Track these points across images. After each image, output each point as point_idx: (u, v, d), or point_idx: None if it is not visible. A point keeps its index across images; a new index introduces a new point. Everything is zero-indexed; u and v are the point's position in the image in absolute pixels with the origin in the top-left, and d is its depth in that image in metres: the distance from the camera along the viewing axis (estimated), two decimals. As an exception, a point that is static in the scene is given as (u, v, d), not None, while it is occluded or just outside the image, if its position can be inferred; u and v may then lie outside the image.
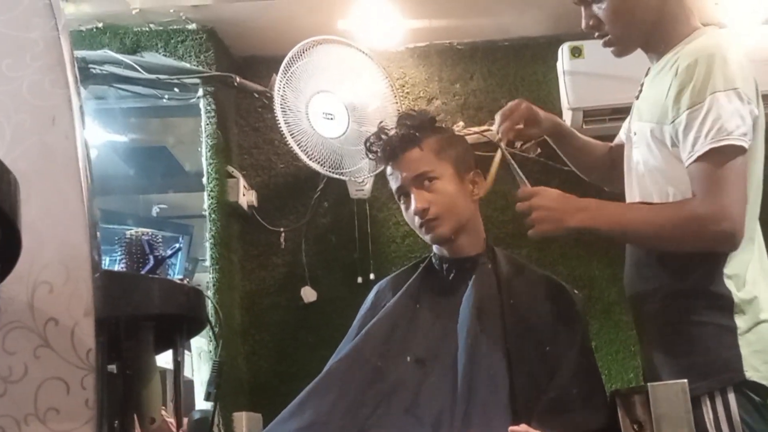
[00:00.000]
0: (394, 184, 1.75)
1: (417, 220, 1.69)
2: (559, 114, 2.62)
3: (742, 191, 1.40)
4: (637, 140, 1.57)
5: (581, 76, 2.48)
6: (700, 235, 1.40)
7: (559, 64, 2.55)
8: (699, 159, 1.39)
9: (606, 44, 1.59)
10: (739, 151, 1.38)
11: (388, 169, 1.76)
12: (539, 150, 2.62)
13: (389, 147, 1.73)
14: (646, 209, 1.50)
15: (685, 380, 1.35)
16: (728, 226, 1.37)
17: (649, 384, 1.38)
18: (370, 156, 1.83)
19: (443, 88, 2.75)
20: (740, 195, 1.39)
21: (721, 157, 1.37)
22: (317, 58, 2.40)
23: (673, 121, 1.43)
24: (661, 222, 1.45)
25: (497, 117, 1.77)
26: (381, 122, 1.89)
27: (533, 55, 2.73)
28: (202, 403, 1.84)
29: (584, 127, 2.50)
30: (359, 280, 2.57)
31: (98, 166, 1.10)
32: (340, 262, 2.63)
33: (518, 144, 2.61)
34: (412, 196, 1.69)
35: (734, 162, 1.38)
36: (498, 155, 1.72)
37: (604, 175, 1.86)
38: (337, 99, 2.44)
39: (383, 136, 1.76)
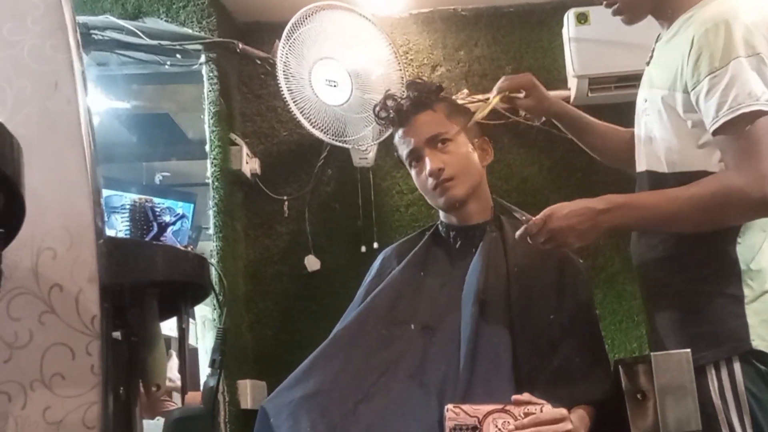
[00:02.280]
0: (405, 149, 1.73)
1: (431, 182, 1.67)
2: (564, 82, 2.60)
3: None
4: (648, 108, 1.54)
5: (587, 43, 2.45)
6: (743, 207, 1.36)
7: (564, 31, 2.52)
8: (726, 126, 1.35)
9: (615, 12, 1.57)
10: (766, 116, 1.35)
11: (398, 134, 1.75)
12: (544, 119, 2.60)
13: (401, 110, 1.72)
14: (676, 191, 1.44)
15: (689, 350, 1.35)
16: (761, 192, 1.33)
17: (652, 354, 1.38)
18: (380, 122, 1.82)
19: (447, 55, 2.72)
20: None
21: (748, 123, 1.34)
22: (320, 25, 2.37)
23: (693, 88, 1.39)
24: (698, 200, 1.39)
25: (502, 78, 1.76)
26: (388, 90, 1.88)
27: (538, 21, 2.69)
28: (207, 371, 1.84)
29: (590, 95, 2.48)
30: (363, 249, 2.56)
31: (101, 133, 1.09)
32: (344, 231, 2.62)
33: (523, 113, 2.60)
34: (426, 159, 1.67)
35: (764, 127, 1.34)
36: (491, 104, 1.73)
37: (625, 161, 1.74)
38: (341, 66, 2.42)
39: (390, 102, 1.75)
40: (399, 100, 1.74)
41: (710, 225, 1.41)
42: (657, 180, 1.52)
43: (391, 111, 1.74)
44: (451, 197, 1.68)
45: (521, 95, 1.77)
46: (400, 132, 1.74)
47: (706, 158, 1.43)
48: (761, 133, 1.34)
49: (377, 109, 1.79)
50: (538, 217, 1.48)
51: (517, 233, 1.52)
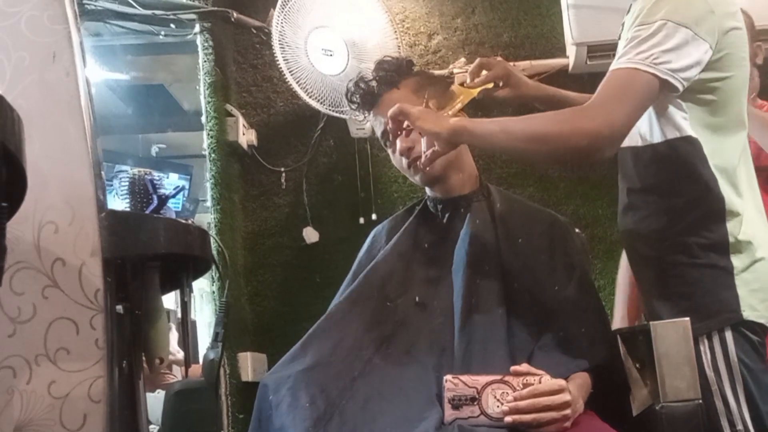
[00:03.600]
0: (378, 130, 1.73)
1: (404, 161, 1.67)
2: (563, 49, 2.58)
3: (635, 114, 1.34)
4: None
5: (586, 10, 2.42)
6: (567, 131, 1.32)
7: (563, -3, 2.50)
8: (617, 69, 1.34)
9: None
10: (661, 84, 1.33)
11: (371, 117, 1.74)
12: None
13: (368, 93, 1.71)
14: (522, 117, 1.43)
15: (687, 318, 1.35)
16: (597, 128, 1.30)
17: (651, 323, 1.38)
18: (352, 107, 1.80)
19: (444, 23, 2.70)
20: (630, 115, 1.33)
21: (638, 78, 1.32)
22: (316, -8, 2.35)
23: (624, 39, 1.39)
24: (538, 120, 1.38)
25: (476, 61, 1.73)
26: (360, 73, 1.86)
27: (537, -12, 2.67)
28: (206, 343, 1.85)
29: (588, 62, 2.46)
30: (361, 220, 2.56)
31: (95, 104, 1.07)
32: (342, 203, 2.62)
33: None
34: (396, 139, 1.67)
35: (646, 87, 1.32)
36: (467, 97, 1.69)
37: None
38: (337, 35, 2.39)
39: (362, 84, 1.73)
40: (367, 82, 1.73)
41: (544, 148, 1.37)
42: (635, 155, 1.51)
43: (358, 96, 1.73)
44: (426, 174, 1.67)
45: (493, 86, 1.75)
46: (371, 115, 1.73)
47: (666, 128, 1.42)
48: (633, 90, 1.32)
49: (348, 94, 1.77)
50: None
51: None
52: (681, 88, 1.35)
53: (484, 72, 1.69)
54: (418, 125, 1.48)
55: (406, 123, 1.63)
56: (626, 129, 1.35)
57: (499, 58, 1.76)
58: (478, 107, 1.81)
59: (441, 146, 1.47)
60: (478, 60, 1.71)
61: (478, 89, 1.69)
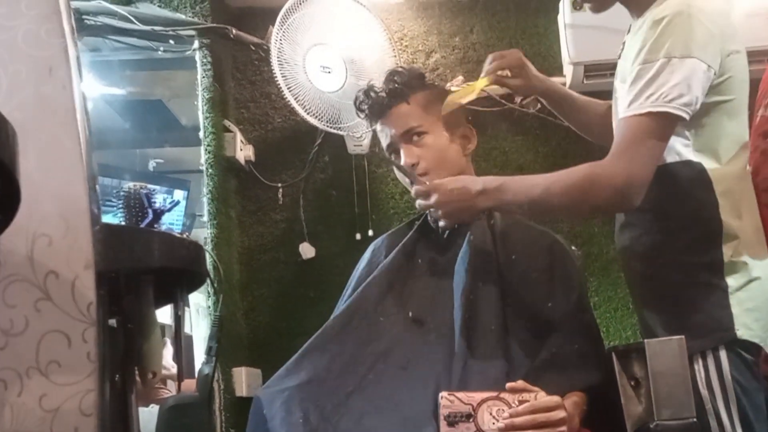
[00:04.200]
0: (384, 142, 1.74)
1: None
2: (560, 68, 2.59)
3: (655, 159, 1.38)
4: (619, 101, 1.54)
5: (583, 30, 2.44)
6: (593, 192, 1.39)
7: (560, 17, 2.51)
8: (629, 117, 1.37)
9: (584, 0, 1.58)
10: (675, 119, 1.36)
11: (378, 127, 1.75)
12: (539, 105, 2.59)
13: (377, 104, 1.72)
14: (550, 176, 1.48)
15: (682, 336, 1.35)
16: (621, 183, 1.36)
17: (645, 340, 1.38)
18: (360, 115, 1.81)
19: (442, 42, 2.71)
20: (650, 162, 1.38)
21: (652, 121, 1.35)
22: (314, 10, 2.36)
23: (630, 75, 1.41)
24: (564, 186, 1.43)
25: (489, 57, 1.75)
26: (370, 80, 1.87)
27: (535, 7, 2.69)
28: (202, 359, 1.84)
29: (585, 82, 2.47)
30: (358, 236, 2.56)
31: (93, 119, 1.08)
32: (339, 218, 2.62)
33: (518, 99, 2.59)
34: (402, 152, 1.68)
35: (662, 127, 1.36)
36: (476, 89, 1.71)
37: (606, 134, 1.76)
38: (335, 52, 2.41)
39: (372, 94, 1.74)
40: (377, 92, 1.73)
41: (575, 211, 1.44)
42: None
43: (367, 105, 1.74)
44: None
45: (508, 74, 1.76)
46: (378, 125, 1.74)
47: (667, 154, 1.43)
48: (650, 135, 1.36)
49: (357, 102, 1.78)
50: (424, 186, 1.57)
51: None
52: (689, 118, 1.37)
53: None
54: (441, 214, 1.57)
55: (413, 137, 1.66)
56: (648, 175, 1.38)
57: (514, 51, 1.78)
58: (476, 122, 1.82)
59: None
60: (491, 55, 1.74)
61: (489, 78, 1.71)
